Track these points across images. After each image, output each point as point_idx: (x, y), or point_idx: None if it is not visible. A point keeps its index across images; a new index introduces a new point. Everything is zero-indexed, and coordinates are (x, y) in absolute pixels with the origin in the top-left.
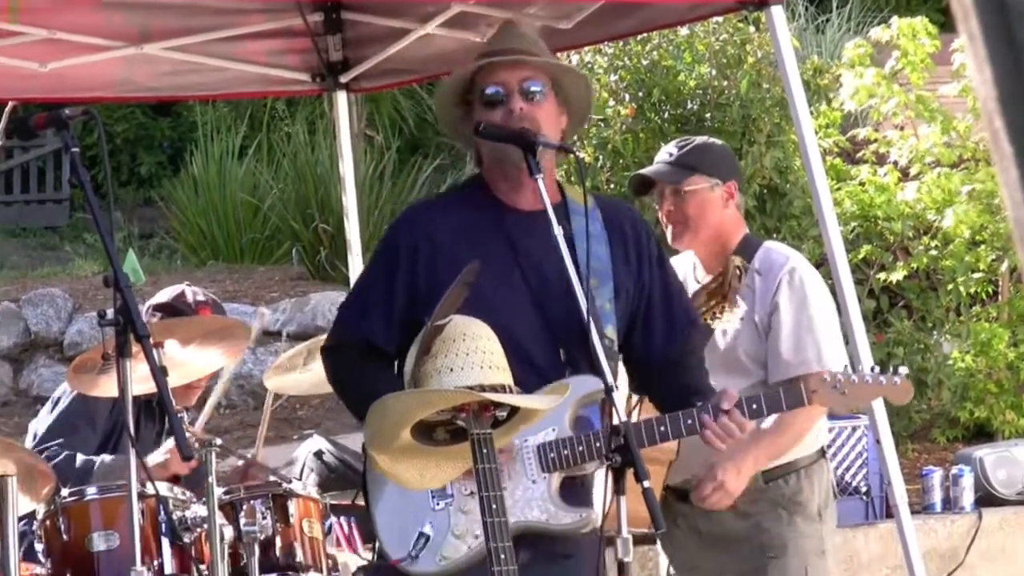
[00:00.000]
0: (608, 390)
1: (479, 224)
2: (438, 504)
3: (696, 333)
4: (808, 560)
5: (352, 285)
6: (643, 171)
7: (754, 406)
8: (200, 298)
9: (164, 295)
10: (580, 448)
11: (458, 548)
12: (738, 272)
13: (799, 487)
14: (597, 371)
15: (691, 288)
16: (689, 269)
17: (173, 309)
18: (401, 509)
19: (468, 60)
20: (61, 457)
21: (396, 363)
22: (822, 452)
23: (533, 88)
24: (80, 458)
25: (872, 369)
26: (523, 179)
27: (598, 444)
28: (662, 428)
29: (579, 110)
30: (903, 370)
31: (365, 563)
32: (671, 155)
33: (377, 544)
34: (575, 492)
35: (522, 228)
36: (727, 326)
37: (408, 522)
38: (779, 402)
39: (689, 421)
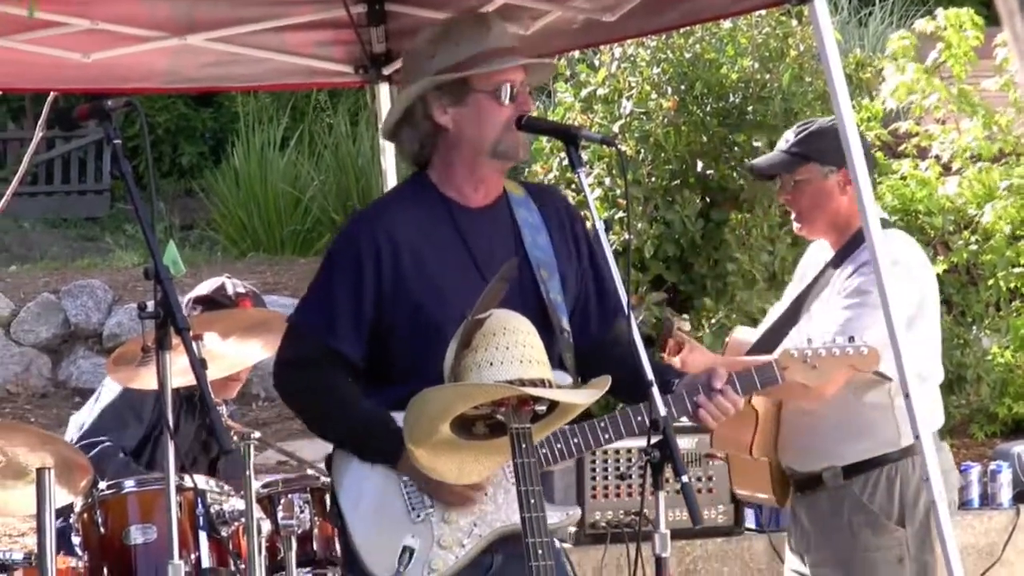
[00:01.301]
0: (648, 384)
1: (433, 223)
2: (418, 516)
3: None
4: (877, 572)
5: (308, 294)
6: (758, 162)
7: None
8: (240, 290)
9: (204, 288)
10: (559, 446)
11: (446, 559)
12: (670, 327)
13: (877, 489)
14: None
15: (817, 269)
16: (824, 254)
17: (213, 302)
18: (379, 524)
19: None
20: (120, 458)
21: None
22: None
23: (527, 85)
24: (133, 465)
25: (835, 340)
26: (488, 176)
27: (576, 440)
28: (603, 430)
29: None
30: (869, 339)
31: None
32: (788, 142)
33: (356, 564)
34: (552, 491)
35: (474, 224)
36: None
37: (388, 537)
38: (752, 382)
39: (681, 403)
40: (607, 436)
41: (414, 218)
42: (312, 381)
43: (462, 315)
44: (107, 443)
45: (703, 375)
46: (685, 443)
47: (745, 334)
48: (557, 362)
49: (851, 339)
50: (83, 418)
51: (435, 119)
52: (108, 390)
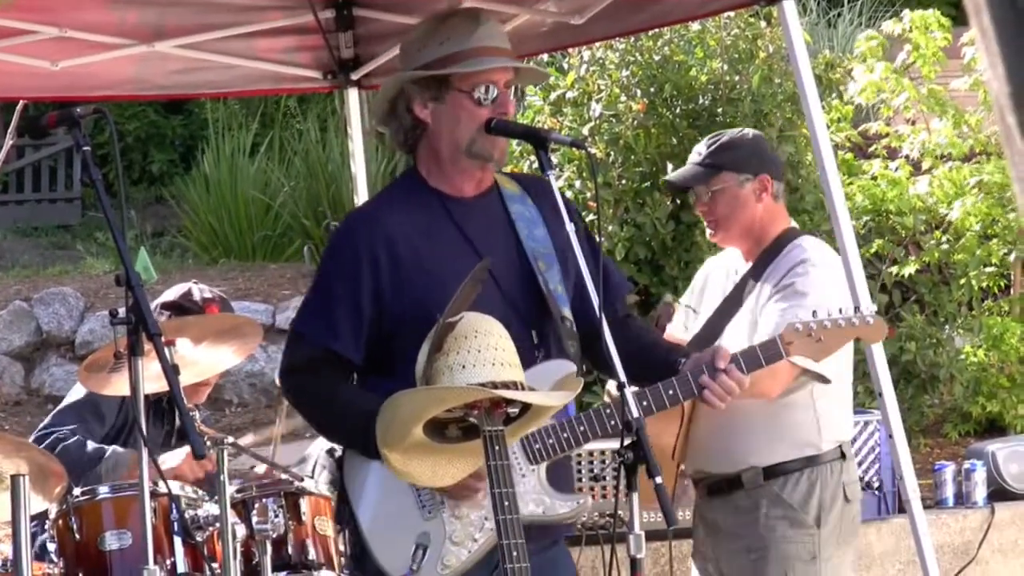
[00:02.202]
0: (621, 385)
1: (427, 218)
2: (429, 512)
3: (627, 293)
4: (791, 566)
5: (306, 301)
6: (672, 177)
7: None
8: (207, 295)
9: (171, 293)
10: (565, 435)
11: (459, 555)
12: (669, 310)
13: (796, 489)
14: (609, 367)
15: (729, 281)
16: (733, 263)
17: (180, 307)
18: (391, 523)
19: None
20: (72, 440)
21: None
22: (841, 452)
23: (513, 87)
24: (91, 445)
25: (841, 311)
26: (471, 172)
27: (582, 428)
28: (670, 392)
29: None
30: (872, 307)
31: None
32: (700, 155)
33: (368, 563)
34: (562, 479)
35: (468, 215)
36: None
37: (401, 535)
38: (757, 358)
39: (687, 385)
40: (583, 432)
41: (408, 214)
42: (316, 386)
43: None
44: (61, 431)
45: (707, 354)
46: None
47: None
48: (560, 351)
49: (856, 309)
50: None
51: (415, 113)
52: (73, 393)
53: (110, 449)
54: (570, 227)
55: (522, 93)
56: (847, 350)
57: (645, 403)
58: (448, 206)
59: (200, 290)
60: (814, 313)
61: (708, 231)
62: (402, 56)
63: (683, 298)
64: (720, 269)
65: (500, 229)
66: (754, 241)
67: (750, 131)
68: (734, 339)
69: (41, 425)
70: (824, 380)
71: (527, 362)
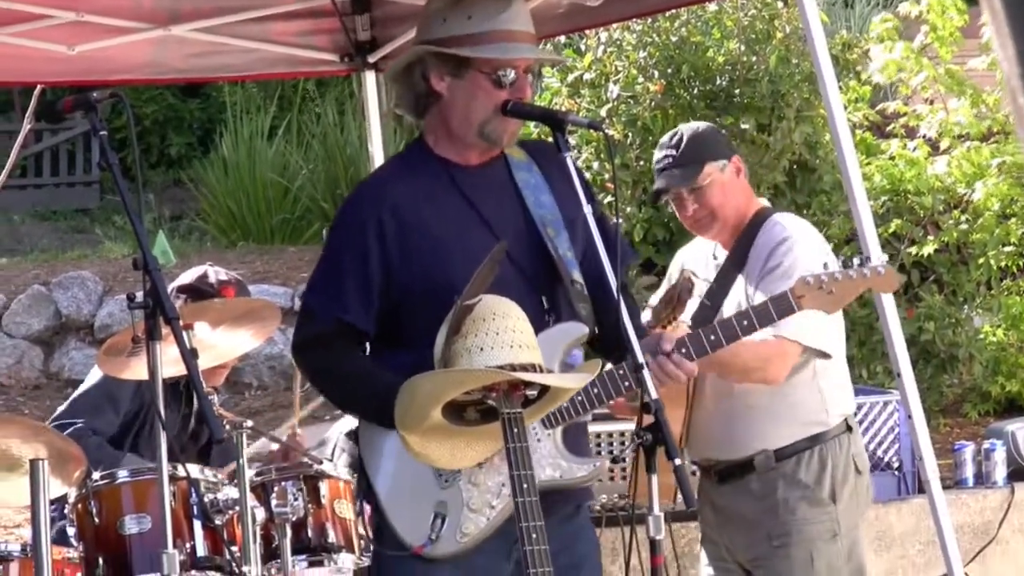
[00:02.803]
0: (639, 367)
1: (434, 186)
2: (445, 481)
3: (630, 262)
4: (814, 546)
5: (315, 273)
6: (658, 186)
7: (745, 322)
8: (223, 278)
9: (187, 276)
10: (579, 398)
11: (477, 522)
12: (689, 284)
13: (810, 467)
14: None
15: (709, 268)
16: (710, 248)
17: (196, 290)
18: (408, 493)
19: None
20: (93, 439)
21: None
22: (847, 426)
23: (532, 69)
24: (109, 449)
25: (853, 263)
26: (479, 147)
27: (595, 390)
28: (623, 378)
29: None
30: (884, 258)
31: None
32: (672, 158)
33: (386, 534)
34: (578, 442)
35: (474, 183)
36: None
37: (419, 505)
38: (768, 313)
39: (622, 372)
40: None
41: (413, 183)
42: (329, 360)
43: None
44: (79, 424)
45: (654, 337)
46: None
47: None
48: (572, 314)
49: (867, 259)
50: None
51: (431, 83)
52: (89, 378)
53: (126, 457)
54: (587, 209)
55: (539, 74)
56: (839, 322)
57: (596, 390)
58: (453, 174)
59: (216, 272)
60: (825, 265)
61: (698, 230)
62: (424, 24)
63: (661, 287)
64: (695, 256)
65: (507, 197)
66: (738, 224)
67: (701, 123)
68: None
69: (56, 414)
70: (826, 355)
71: (538, 327)
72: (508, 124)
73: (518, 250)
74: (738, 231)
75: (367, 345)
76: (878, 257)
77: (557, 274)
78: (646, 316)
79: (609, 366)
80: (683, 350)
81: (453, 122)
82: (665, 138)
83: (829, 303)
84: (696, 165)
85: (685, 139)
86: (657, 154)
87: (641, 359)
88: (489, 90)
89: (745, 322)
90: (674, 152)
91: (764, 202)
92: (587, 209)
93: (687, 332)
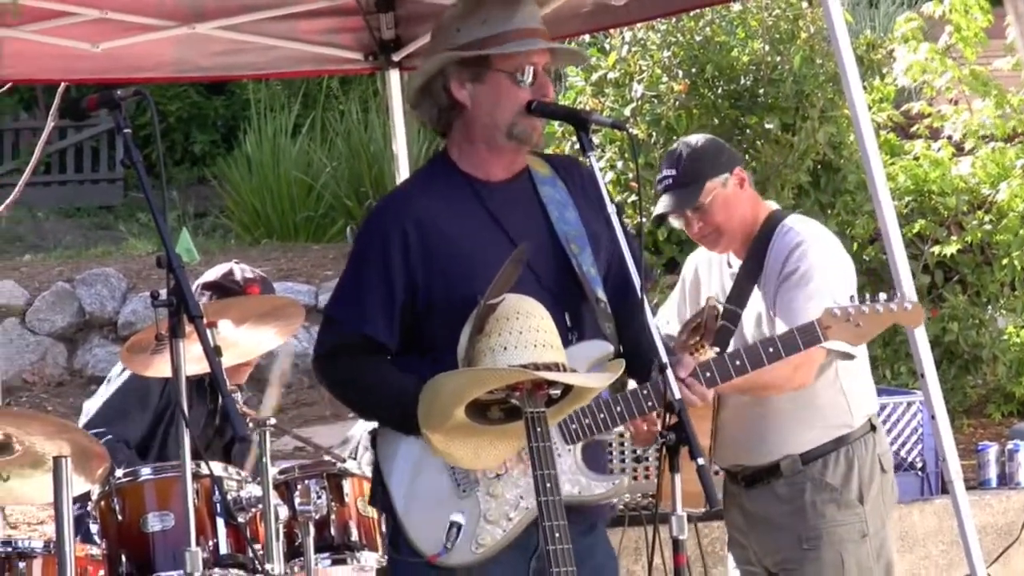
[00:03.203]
0: (663, 367)
1: (457, 202)
2: (463, 491)
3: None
4: (844, 548)
5: (339, 286)
6: (662, 208)
7: (771, 349)
8: (248, 275)
9: (212, 273)
10: (602, 416)
11: (493, 533)
12: (715, 313)
13: (837, 470)
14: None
15: (724, 276)
16: (723, 255)
17: (222, 287)
18: (425, 501)
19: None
20: (125, 454)
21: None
22: (871, 425)
23: (550, 70)
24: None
25: (879, 297)
26: (507, 155)
27: (619, 409)
28: (646, 398)
29: None
30: (912, 293)
31: (383, 565)
32: (672, 178)
33: (401, 541)
34: (597, 460)
35: (498, 199)
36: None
37: (435, 513)
38: (795, 342)
39: (645, 392)
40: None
41: (438, 199)
42: (350, 370)
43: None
44: (108, 437)
45: (670, 362)
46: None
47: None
48: (597, 332)
49: (894, 294)
50: (89, 406)
51: (453, 93)
52: (115, 378)
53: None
54: (611, 208)
55: (563, 74)
56: None
57: (619, 408)
58: (478, 190)
59: (241, 270)
60: (852, 298)
61: (707, 245)
62: (438, 35)
63: (674, 292)
64: (707, 262)
65: (531, 213)
66: (748, 234)
67: (700, 136)
68: (748, 334)
69: (88, 421)
70: (849, 356)
71: (561, 344)
72: (535, 123)
73: (542, 266)
74: (747, 239)
75: (389, 355)
76: (908, 292)
77: (582, 291)
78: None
79: (632, 385)
80: (707, 374)
81: (478, 129)
82: (666, 157)
83: (855, 335)
84: (696, 185)
85: (684, 157)
86: (658, 174)
87: (665, 359)
88: (512, 90)
89: (771, 349)
90: (673, 172)
91: (773, 205)
92: (611, 208)
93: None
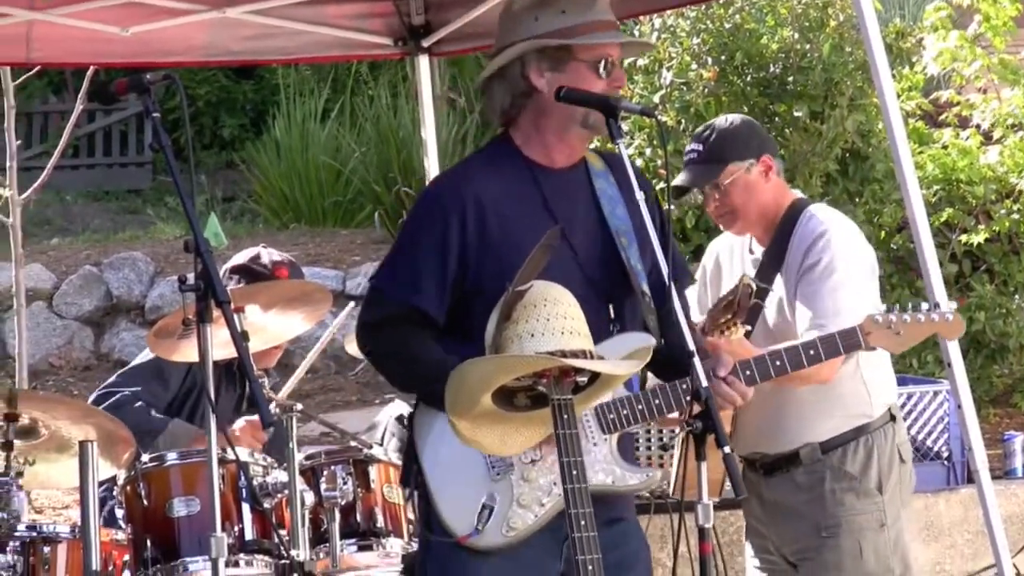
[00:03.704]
0: (690, 355)
1: (517, 184)
2: (497, 474)
3: (688, 281)
4: (863, 536)
5: (390, 255)
6: (679, 181)
7: (811, 351)
8: (276, 258)
9: (241, 257)
10: (640, 407)
11: (524, 518)
12: (748, 291)
13: (855, 459)
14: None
15: (746, 262)
16: (744, 241)
17: (250, 271)
18: (459, 482)
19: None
20: (137, 405)
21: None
22: (891, 415)
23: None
24: (155, 413)
25: (921, 307)
26: (564, 140)
27: (656, 401)
28: (685, 392)
29: None
30: (952, 305)
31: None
32: (698, 153)
33: (433, 521)
34: (628, 451)
35: (556, 187)
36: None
37: (468, 495)
38: (836, 346)
39: (684, 386)
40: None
41: (498, 180)
42: (393, 342)
43: (547, 272)
44: (124, 392)
45: (709, 362)
46: None
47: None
48: (641, 325)
49: (936, 305)
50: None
51: (531, 80)
52: (138, 357)
53: (173, 421)
54: (640, 195)
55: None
56: (872, 308)
57: (657, 401)
58: (537, 174)
59: (269, 253)
60: (893, 308)
61: (723, 225)
62: (511, 23)
63: (696, 278)
64: (728, 248)
65: (584, 203)
66: (769, 222)
67: (736, 116)
68: (770, 319)
69: (105, 383)
70: (871, 347)
71: (602, 335)
72: (564, 108)
73: (588, 257)
74: (770, 226)
75: (436, 332)
76: (946, 304)
77: (628, 284)
78: (700, 317)
79: (675, 381)
80: (747, 372)
81: (553, 118)
82: (699, 129)
83: (895, 343)
84: (719, 164)
85: (714, 136)
86: (688, 145)
87: (692, 347)
88: (592, 79)
89: (812, 352)
90: (700, 148)
91: (797, 193)
92: (639, 195)
93: (744, 342)
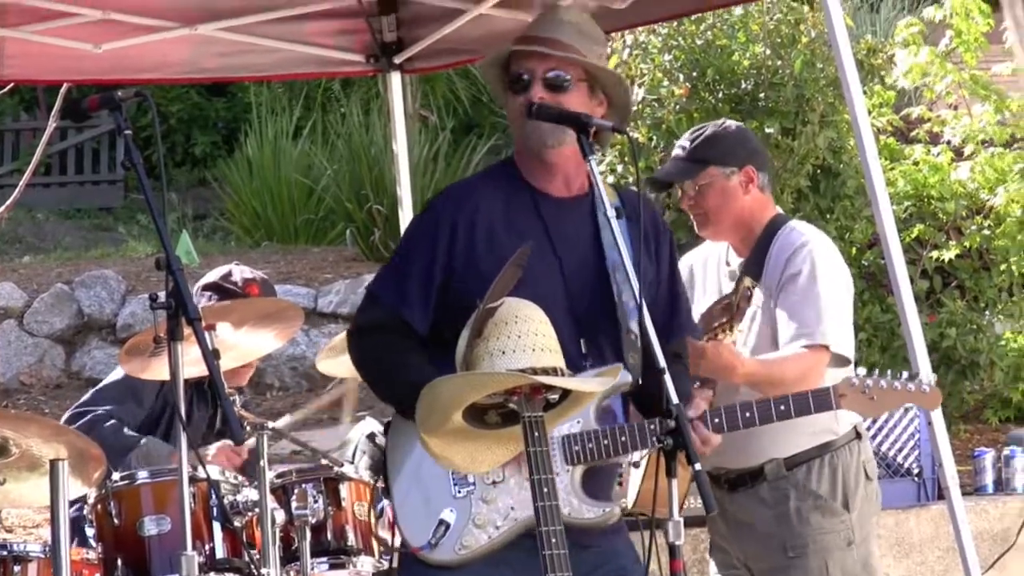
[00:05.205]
0: (660, 371)
1: (515, 207)
2: (459, 492)
3: (691, 335)
4: (830, 556)
5: (386, 265)
6: (657, 174)
7: (782, 407)
8: (248, 276)
9: (213, 275)
10: (605, 442)
11: (478, 538)
12: (748, 293)
13: (821, 476)
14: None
15: (721, 272)
16: (722, 252)
17: (221, 288)
18: (421, 495)
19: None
20: (109, 423)
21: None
22: (856, 433)
23: (556, 77)
24: (127, 431)
25: (901, 376)
26: (557, 165)
27: (623, 438)
28: (652, 432)
29: (619, 102)
30: (932, 378)
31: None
32: (684, 149)
33: (397, 529)
34: (599, 484)
35: (556, 214)
36: (739, 336)
37: (428, 508)
38: (807, 405)
39: (652, 427)
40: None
41: (497, 200)
42: (378, 348)
43: (533, 298)
44: (97, 412)
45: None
46: None
47: None
48: (611, 355)
49: (914, 376)
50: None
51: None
52: (110, 376)
53: (146, 439)
54: (611, 212)
55: None
56: (849, 322)
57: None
58: (539, 201)
59: (241, 271)
60: (873, 372)
61: (698, 227)
62: None
63: None
64: (703, 261)
65: (585, 234)
66: (745, 233)
67: (732, 123)
68: (747, 332)
69: (78, 402)
70: (847, 362)
71: (574, 365)
72: (540, 127)
73: (579, 286)
74: (745, 237)
75: (422, 343)
76: (927, 376)
77: (614, 319)
78: (697, 318)
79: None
80: (716, 420)
81: (520, 139)
82: (695, 127)
83: (869, 407)
84: (700, 165)
85: (703, 137)
86: (678, 142)
87: (663, 364)
88: (510, 97)
89: (782, 407)
90: (687, 145)
91: (779, 210)
92: (611, 213)
93: (732, 349)
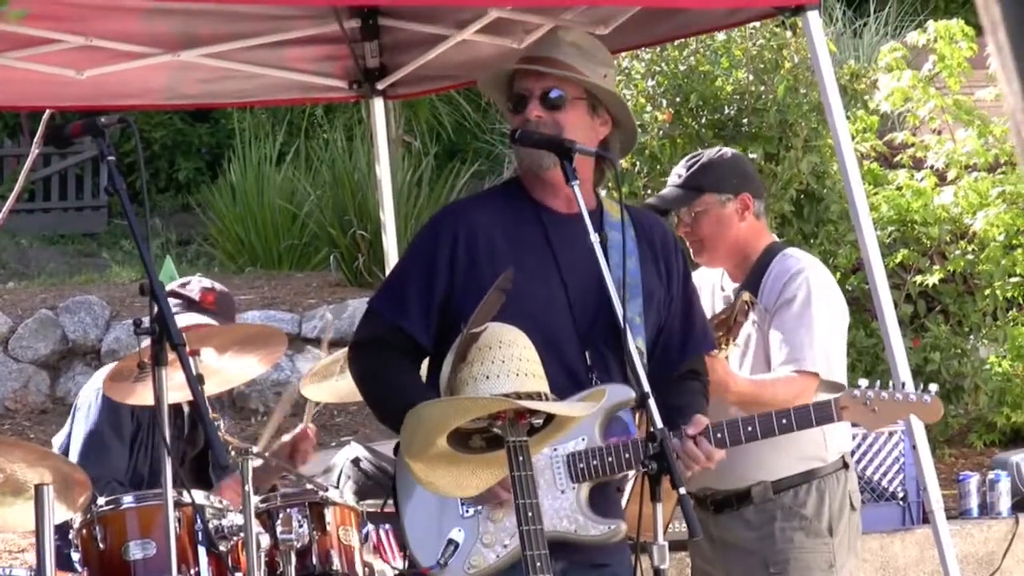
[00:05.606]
0: (644, 396)
1: (519, 224)
2: (467, 511)
3: (708, 351)
4: (811, 574)
5: (386, 279)
6: (653, 200)
7: (783, 420)
8: (206, 285)
9: (172, 284)
10: (610, 459)
11: (486, 557)
12: (745, 307)
13: (807, 500)
14: (632, 377)
15: (716, 298)
16: (717, 278)
17: (177, 296)
18: (430, 515)
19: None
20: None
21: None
22: (844, 462)
23: (554, 95)
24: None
25: (903, 386)
26: (557, 184)
27: (627, 455)
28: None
29: (625, 123)
30: (933, 387)
31: (399, 572)
32: (680, 177)
33: (407, 551)
34: (605, 502)
35: (559, 231)
36: (732, 354)
37: (437, 529)
38: (809, 417)
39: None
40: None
41: (500, 216)
42: (375, 364)
43: (533, 315)
44: (107, 482)
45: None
46: None
47: None
48: (621, 378)
49: (917, 387)
50: (61, 440)
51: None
52: (84, 409)
53: None
54: (595, 238)
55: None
56: (842, 350)
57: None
58: (543, 216)
59: (200, 281)
60: (874, 384)
61: (694, 254)
62: None
63: None
64: (699, 285)
65: (589, 250)
66: (740, 259)
67: (729, 151)
68: (740, 357)
69: (80, 454)
70: (838, 388)
71: (579, 384)
72: (530, 153)
73: (581, 303)
74: (741, 264)
75: (423, 358)
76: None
77: (617, 335)
78: None
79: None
80: (719, 435)
81: (518, 160)
82: (691, 154)
83: (870, 420)
84: (695, 192)
85: (699, 164)
86: (674, 169)
87: (647, 389)
88: (511, 117)
89: (784, 421)
90: (683, 172)
91: (775, 237)
92: (593, 238)
93: (726, 365)
